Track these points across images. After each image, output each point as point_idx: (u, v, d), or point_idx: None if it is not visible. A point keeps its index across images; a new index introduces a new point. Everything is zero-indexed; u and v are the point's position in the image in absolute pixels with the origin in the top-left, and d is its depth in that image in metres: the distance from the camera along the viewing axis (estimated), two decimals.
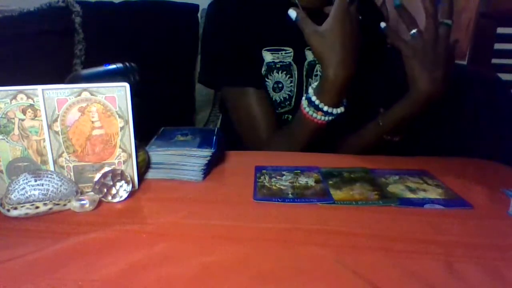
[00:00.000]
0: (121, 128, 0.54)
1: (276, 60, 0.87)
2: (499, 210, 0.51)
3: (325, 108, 0.72)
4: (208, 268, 0.38)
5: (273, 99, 0.88)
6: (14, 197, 0.48)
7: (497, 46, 1.12)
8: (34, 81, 0.52)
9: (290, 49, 0.87)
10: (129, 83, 0.53)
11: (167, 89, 1.10)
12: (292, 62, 0.88)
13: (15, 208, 0.47)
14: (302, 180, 0.60)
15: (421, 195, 0.55)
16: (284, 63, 0.87)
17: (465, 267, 0.39)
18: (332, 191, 0.56)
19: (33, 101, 0.51)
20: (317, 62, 0.88)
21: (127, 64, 0.64)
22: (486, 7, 1.05)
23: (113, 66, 0.63)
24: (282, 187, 0.58)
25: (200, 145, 0.63)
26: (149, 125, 0.65)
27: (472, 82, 0.94)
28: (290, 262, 0.40)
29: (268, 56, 0.87)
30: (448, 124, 0.94)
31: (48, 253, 0.40)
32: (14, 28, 1.00)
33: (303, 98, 0.74)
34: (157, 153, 0.61)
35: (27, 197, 0.48)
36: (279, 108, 0.89)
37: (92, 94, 0.52)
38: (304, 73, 0.89)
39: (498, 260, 0.41)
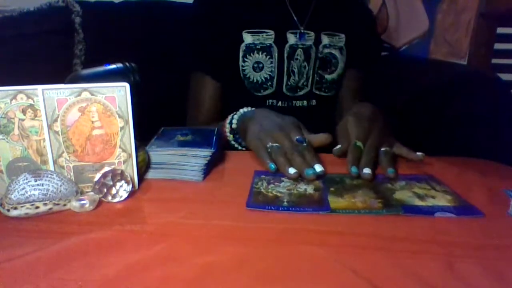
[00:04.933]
0: (121, 128, 0.54)
1: (256, 42, 0.91)
2: (499, 210, 0.51)
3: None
4: (208, 268, 0.38)
5: (254, 79, 0.92)
6: (14, 197, 0.48)
7: (497, 46, 1.12)
8: (34, 81, 0.51)
9: (271, 32, 0.91)
10: (129, 83, 0.53)
11: (167, 89, 1.10)
12: (273, 44, 0.92)
13: (15, 208, 0.47)
14: (301, 187, 0.57)
15: (430, 202, 0.53)
16: (265, 45, 0.91)
17: (465, 267, 0.39)
18: (333, 199, 0.53)
19: (33, 101, 0.51)
20: (299, 46, 0.93)
21: (127, 64, 0.64)
22: (486, 7, 1.05)
23: (113, 66, 0.63)
24: (278, 194, 0.55)
25: (200, 145, 0.63)
26: (149, 125, 0.65)
27: (472, 82, 0.94)
28: (289, 262, 0.40)
29: (248, 38, 0.91)
30: (448, 124, 0.94)
31: (48, 253, 0.40)
32: (14, 28, 1.00)
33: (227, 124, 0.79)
34: (157, 153, 0.61)
35: (27, 197, 0.48)
36: (262, 90, 0.93)
37: (92, 94, 0.52)
38: (286, 55, 0.93)
39: (498, 260, 0.41)
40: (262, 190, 0.56)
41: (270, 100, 0.94)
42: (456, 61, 1.11)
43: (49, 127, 0.52)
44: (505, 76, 1.02)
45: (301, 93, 0.96)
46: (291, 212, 0.50)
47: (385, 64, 1.31)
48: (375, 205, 0.51)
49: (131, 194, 0.53)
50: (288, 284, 0.36)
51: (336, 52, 0.97)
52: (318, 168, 0.61)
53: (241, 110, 0.79)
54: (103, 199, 0.52)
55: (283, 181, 0.60)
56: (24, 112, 0.51)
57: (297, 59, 0.93)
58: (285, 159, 0.62)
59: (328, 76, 0.97)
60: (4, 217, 0.48)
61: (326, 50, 0.96)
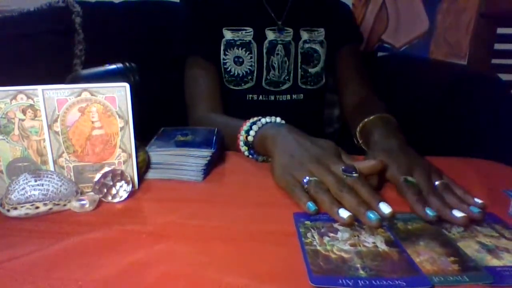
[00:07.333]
0: (121, 128, 0.54)
1: (236, 38, 0.95)
2: (499, 210, 0.51)
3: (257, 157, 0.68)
4: (208, 268, 0.38)
5: (236, 73, 0.95)
6: (14, 197, 0.48)
7: (497, 46, 1.12)
8: (34, 81, 0.52)
9: (250, 29, 0.95)
10: (129, 83, 0.53)
11: (167, 89, 1.10)
12: (252, 41, 0.95)
13: (15, 208, 0.47)
14: (367, 240, 0.42)
15: (507, 259, 0.39)
16: (244, 41, 0.95)
17: None
18: None
19: (33, 101, 0.51)
20: (279, 42, 0.97)
21: (127, 64, 0.64)
22: (486, 7, 1.05)
23: (113, 66, 0.64)
24: (343, 254, 0.40)
25: (200, 145, 0.63)
26: (149, 125, 0.65)
27: (472, 82, 0.94)
28: (289, 263, 0.40)
29: (228, 34, 0.95)
30: (448, 124, 0.94)
31: (48, 253, 0.40)
32: (14, 28, 1.00)
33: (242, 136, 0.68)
34: (157, 153, 0.61)
35: (27, 197, 0.48)
36: (242, 84, 0.96)
37: (92, 94, 0.52)
38: (265, 50, 0.96)
39: None
40: (319, 248, 0.41)
41: (250, 95, 0.97)
42: (456, 61, 1.11)
43: (49, 127, 0.52)
44: (505, 76, 1.02)
45: (283, 87, 0.99)
46: None
47: (385, 64, 1.31)
48: (448, 268, 0.38)
49: (131, 194, 0.54)
50: (288, 285, 0.36)
51: (316, 46, 1.01)
52: (386, 208, 0.46)
53: (262, 120, 0.67)
54: (103, 199, 0.52)
55: (338, 229, 0.45)
56: (24, 112, 0.51)
57: (278, 54, 0.97)
58: (331, 197, 0.49)
59: (311, 70, 1.01)
60: (4, 217, 0.48)
61: (307, 45, 1.00)
